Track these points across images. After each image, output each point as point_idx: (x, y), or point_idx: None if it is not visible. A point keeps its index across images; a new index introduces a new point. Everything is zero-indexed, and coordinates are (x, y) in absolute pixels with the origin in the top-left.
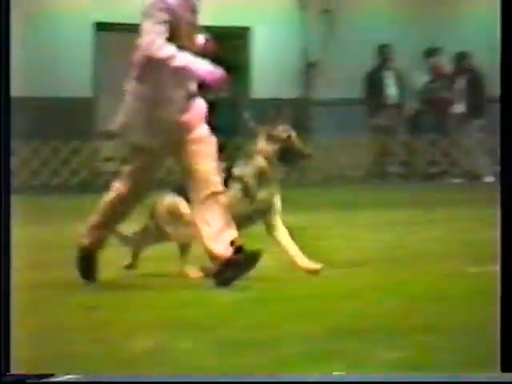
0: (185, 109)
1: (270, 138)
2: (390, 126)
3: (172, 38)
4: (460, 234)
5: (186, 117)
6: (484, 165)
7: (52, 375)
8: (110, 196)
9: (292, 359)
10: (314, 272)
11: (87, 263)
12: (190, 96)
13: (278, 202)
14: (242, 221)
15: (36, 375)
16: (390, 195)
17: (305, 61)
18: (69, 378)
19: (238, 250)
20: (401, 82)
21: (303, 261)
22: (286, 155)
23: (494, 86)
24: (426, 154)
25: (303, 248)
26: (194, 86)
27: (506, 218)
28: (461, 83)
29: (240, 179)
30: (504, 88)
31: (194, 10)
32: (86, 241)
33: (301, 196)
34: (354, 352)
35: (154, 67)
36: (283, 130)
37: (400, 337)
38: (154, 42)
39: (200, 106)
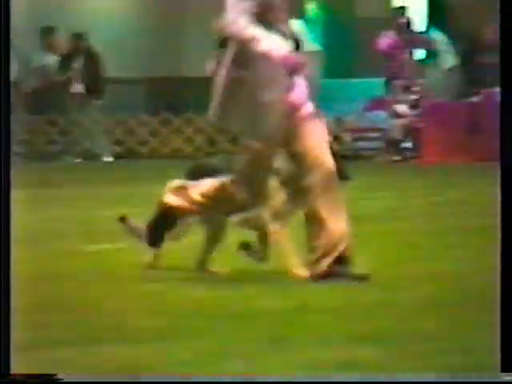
0: (289, 87)
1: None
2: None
3: (261, 18)
4: (80, 213)
5: (292, 96)
6: (103, 145)
7: (52, 375)
8: (217, 185)
9: None
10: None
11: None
12: (290, 74)
13: None
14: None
15: (36, 375)
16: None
17: None
18: (69, 378)
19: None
20: (19, 59)
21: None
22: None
23: (110, 67)
24: (45, 134)
25: None
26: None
27: (506, 218)
28: (78, 63)
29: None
30: (504, 88)
31: None
32: (174, 202)
33: None
34: None
35: (246, 47)
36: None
37: None
38: (236, 19)
39: (301, 83)
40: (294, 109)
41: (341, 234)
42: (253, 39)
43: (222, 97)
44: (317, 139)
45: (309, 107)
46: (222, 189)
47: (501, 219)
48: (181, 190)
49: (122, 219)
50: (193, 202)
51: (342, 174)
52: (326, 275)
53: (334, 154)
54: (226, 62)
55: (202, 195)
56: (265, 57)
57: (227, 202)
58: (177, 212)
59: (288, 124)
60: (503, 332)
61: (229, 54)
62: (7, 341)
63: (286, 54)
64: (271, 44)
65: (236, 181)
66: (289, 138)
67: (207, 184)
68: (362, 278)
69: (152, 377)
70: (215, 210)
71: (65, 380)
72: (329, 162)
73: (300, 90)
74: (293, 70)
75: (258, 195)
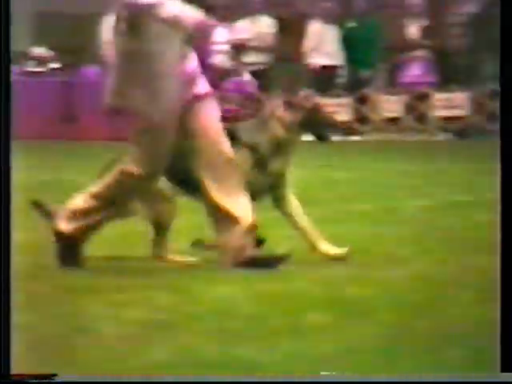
0: (184, 57)
1: (290, 105)
2: None
3: None
4: None
5: (187, 67)
6: None
7: (52, 375)
8: (111, 178)
9: None
10: (340, 258)
11: (69, 252)
12: (184, 48)
13: (289, 174)
14: (251, 194)
15: (36, 375)
16: None
17: None
18: (69, 378)
19: (260, 242)
20: None
21: (325, 245)
22: (312, 125)
23: None
24: None
25: None
26: (186, 37)
27: (506, 220)
28: None
29: (252, 147)
30: (504, 87)
31: None
32: (66, 227)
33: None
34: None
35: (139, 18)
36: (306, 98)
37: None
38: None
39: (194, 60)
40: (189, 80)
41: (247, 219)
42: (156, 5)
43: (116, 76)
44: (213, 119)
45: (204, 84)
46: (118, 175)
47: (501, 220)
48: (69, 211)
49: (37, 204)
50: (85, 213)
51: (332, 123)
52: (248, 262)
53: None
54: (115, 37)
55: (95, 195)
56: (172, 22)
57: (133, 185)
58: (74, 238)
59: (184, 98)
60: (503, 332)
61: (118, 27)
62: (7, 341)
63: (198, 17)
64: (179, 8)
65: (135, 159)
66: (184, 114)
67: (98, 183)
68: (283, 259)
69: (152, 377)
70: (125, 197)
71: (65, 380)
72: (226, 145)
73: (193, 66)
74: (204, 35)
75: (159, 172)
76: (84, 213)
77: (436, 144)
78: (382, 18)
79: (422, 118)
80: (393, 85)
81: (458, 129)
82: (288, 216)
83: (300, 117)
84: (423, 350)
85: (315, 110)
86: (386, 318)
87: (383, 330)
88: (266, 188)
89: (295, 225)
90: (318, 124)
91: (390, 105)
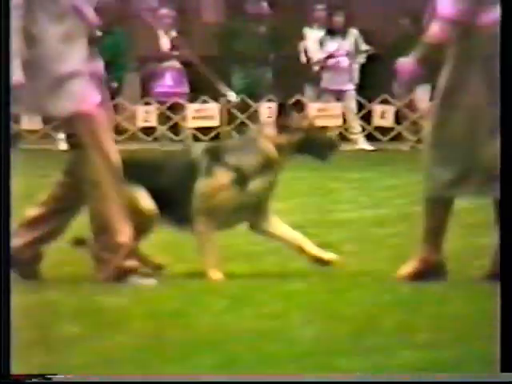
0: (90, 58)
1: (284, 127)
2: None
3: None
4: None
5: (93, 66)
6: None
7: (52, 375)
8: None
9: None
10: (327, 263)
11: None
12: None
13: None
14: (231, 215)
15: (36, 375)
16: None
17: None
18: (69, 378)
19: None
20: None
21: (314, 248)
22: (308, 146)
23: None
24: None
25: None
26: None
27: (506, 221)
28: None
29: (236, 168)
30: (504, 88)
31: None
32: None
33: None
34: None
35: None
36: (301, 118)
37: None
38: None
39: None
40: (97, 79)
41: (127, 232)
42: None
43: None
44: (105, 131)
45: (96, 96)
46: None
47: (501, 220)
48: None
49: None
50: (33, 223)
51: (329, 144)
52: (119, 275)
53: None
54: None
55: (42, 204)
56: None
57: (70, 191)
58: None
59: (80, 105)
60: (503, 332)
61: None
62: (7, 341)
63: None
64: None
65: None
66: (77, 121)
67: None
68: (157, 270)
69: (152, 377)
70: (69, 203)
71: (65, 380)
72: (116, 158)
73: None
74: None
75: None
76: (32, 225)
77: None
78: (133, 28)
79: (176, 129)
80: (147, 95)
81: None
82: (266, 233)
83: (296, 138)
84: (172, 357)
85: (312, 130)
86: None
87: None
88: (248, 209)
89: (276, 236)
90: (315, 144)
91: (145, 115)
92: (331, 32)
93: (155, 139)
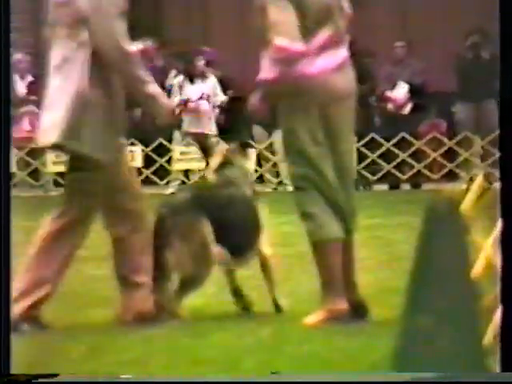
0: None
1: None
2: None
3: None
4: None
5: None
6: None
7: (52, 375)
8: (42, 235)
9: None
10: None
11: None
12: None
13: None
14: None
15: (36, 375)
16: None
17: None
18: (69, 378)
19: None
20: None
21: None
22: None
23: None
24: None
25: None
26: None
27: (506, 221)
28: None
29: None
30: (504, 88)
31: None
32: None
33: None
34: None
35: (106, 66)
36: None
37: None
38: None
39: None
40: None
41: (42, 279)
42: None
43: (71, 116)
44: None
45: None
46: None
47: (501, 220)
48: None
49: None
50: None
51: None
52: (21, 319)
53: None
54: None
55: (40, 238)
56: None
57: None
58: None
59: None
60: (503, 332)
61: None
62: (7, 341)
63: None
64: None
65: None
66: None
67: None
68: (44, 327)
69: (152, 377)
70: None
71: (65, 380)
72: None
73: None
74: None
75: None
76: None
77: None
78: None
79: (36, 174)
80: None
81: None
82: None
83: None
84: None
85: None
86: None
87: None
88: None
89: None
90: None
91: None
92: (191, 76)
93: (14, 185)
